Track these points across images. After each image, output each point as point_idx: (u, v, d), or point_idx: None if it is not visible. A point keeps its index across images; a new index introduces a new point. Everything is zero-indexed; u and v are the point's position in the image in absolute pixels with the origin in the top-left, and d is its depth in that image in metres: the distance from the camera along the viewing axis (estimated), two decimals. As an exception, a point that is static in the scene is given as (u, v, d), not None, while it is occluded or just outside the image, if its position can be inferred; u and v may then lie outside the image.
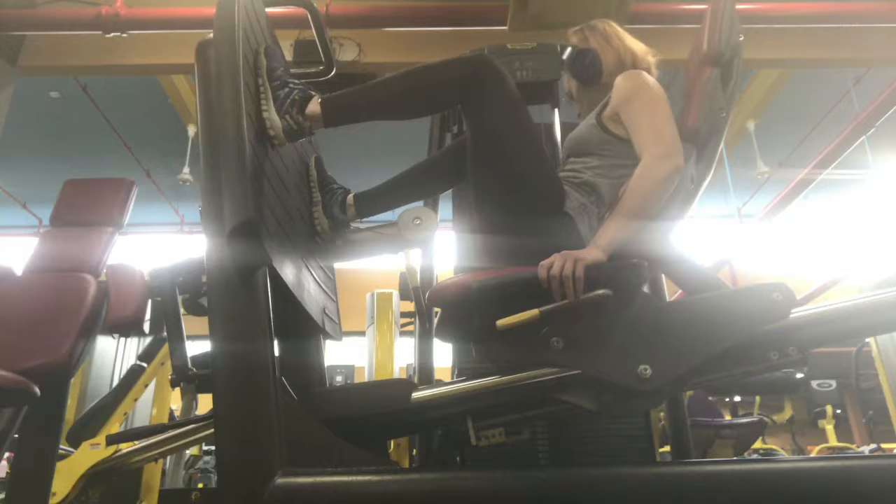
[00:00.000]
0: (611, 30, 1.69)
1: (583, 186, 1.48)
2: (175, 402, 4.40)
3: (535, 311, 1.17)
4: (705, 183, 1.55)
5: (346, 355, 7.53)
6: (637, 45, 1.68)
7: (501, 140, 1.42)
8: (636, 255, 1.25)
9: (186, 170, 7.09)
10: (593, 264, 1.23)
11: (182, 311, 2.35)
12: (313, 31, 1.76)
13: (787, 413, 7.37)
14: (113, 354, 5.05)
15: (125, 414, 3.09)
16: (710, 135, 1.49)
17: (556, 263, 1.21)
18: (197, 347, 2.28)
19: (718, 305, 1.27)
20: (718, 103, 1.49)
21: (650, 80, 1.49)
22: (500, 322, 1.17)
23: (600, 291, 1.18)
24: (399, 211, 1.61)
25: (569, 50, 1.70)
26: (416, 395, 1.39)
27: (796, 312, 1.25)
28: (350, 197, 1.60)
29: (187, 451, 4.82)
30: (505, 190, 1.42)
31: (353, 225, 1.64)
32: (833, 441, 6.71)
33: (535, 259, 1.26)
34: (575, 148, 1.59)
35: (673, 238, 1.56)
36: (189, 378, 2.24)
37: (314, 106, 1.41)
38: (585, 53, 1.65)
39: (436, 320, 1.49)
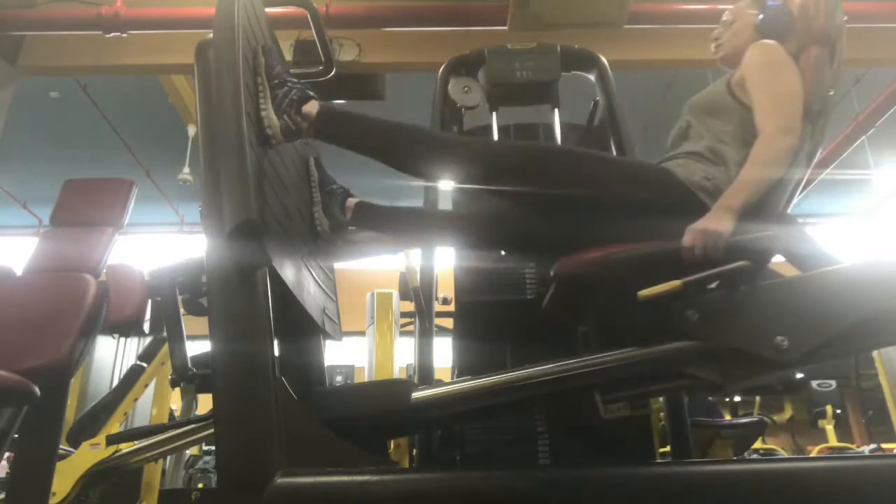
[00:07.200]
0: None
1: (705, 155, 1.44)
2: (175, 402, 4.41)
3: (677, 282, 1.17)
4: (815, 160, 1.54)
5: (346, 355, 7.51)
6: None
7: (564, 183, 1.39)
8: (758, 228, 1.24)
9: (186, 170, 7.08)
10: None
11: (182, 311, 2.35)
12: (313, 31, 1.76)
13: (787, 413, 7.37)
14: (113, 354, 5.05)
15: (125, 414, 3.09)
16: (820, 113, 1.50)
17: (697, 243, 1.21)
18: (197, 347, 2.28)
19: (853, 277, 1.24)
20: (827, 82, 1.50)
21: (783, 53, 1.47)
22: (642, 293, 1.16)
23: (740, 263, 1.17)
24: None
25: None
26: (416, 395, 1.39)
27: None
28: (352, 201, 1.60)
29: (187, 451, 4.82)
30: (605, 216, 1.37)
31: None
32: (833, 441, 6.69)
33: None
34: (700, 106, 1.56)
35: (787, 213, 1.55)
36: (189, 378, 2.24)
37: (311, 107, 1.40)
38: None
39: (549, 294, 1.46)
